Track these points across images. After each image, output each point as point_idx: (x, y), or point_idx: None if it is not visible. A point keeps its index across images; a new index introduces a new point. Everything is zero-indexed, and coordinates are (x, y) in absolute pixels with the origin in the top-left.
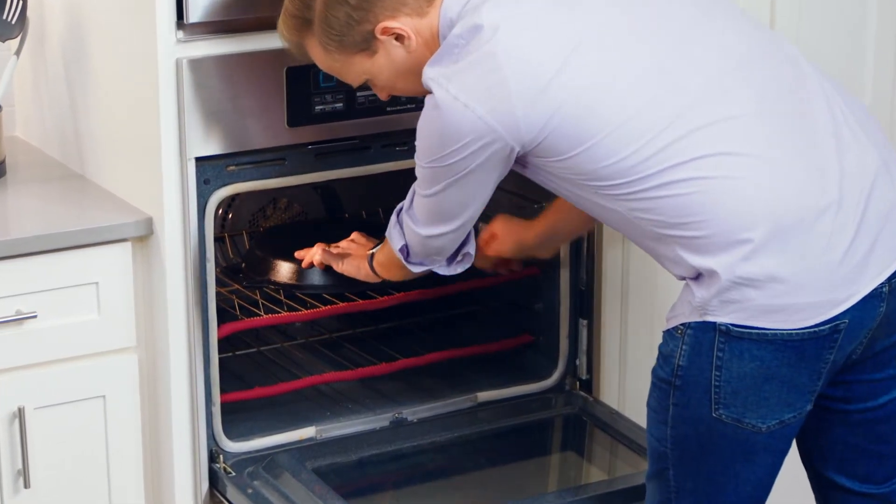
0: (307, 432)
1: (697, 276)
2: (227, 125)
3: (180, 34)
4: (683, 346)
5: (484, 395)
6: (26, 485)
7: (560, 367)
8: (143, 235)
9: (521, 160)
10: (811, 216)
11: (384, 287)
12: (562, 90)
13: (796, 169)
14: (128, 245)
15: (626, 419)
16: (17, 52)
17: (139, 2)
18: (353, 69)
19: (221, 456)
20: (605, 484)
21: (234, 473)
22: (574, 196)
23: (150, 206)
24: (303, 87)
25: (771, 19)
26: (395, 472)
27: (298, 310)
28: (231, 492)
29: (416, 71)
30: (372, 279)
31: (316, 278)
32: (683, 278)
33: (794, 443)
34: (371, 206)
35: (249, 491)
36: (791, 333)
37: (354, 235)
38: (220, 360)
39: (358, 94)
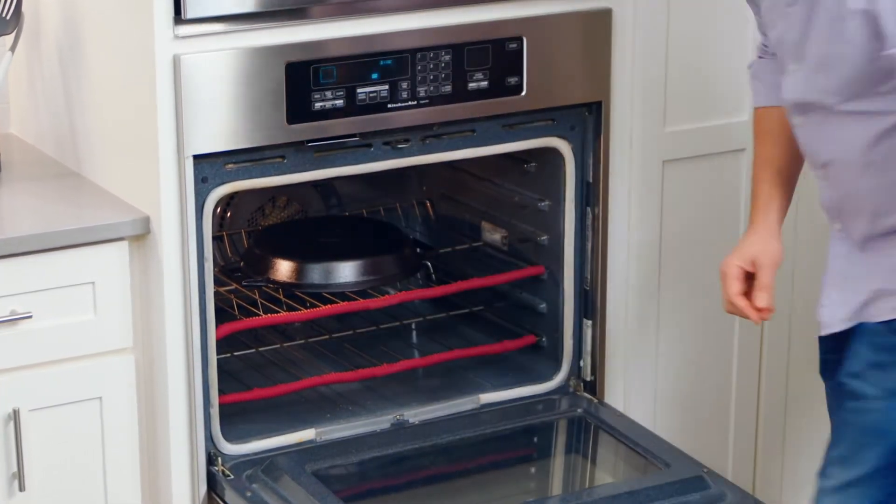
0: (307, 434)
1: None
2: (225, 122)
3: (178, 30)
4: None
5: (487, 397)
6: (21, 488)
7: (564, 369)
8: (140, 234)
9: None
10: None
11: (384, 287)
12: None
13: None
14: (124, 244)
15: (631, 421)
16: (13, 48)
17: None
18: None
19: (220, 458)
20: (610, 487)
21: (232, 476)
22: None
23: (148, 205)
24: (302, 84)
25: None
26: (396, 475)
27: (298, 310)
28: (229, 495)
29: None
30: None
31: (316, 277)
32: None
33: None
34: (372, 205)
35: (248, 494)
36: None
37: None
38: (219, 360)
39: (358, 90)
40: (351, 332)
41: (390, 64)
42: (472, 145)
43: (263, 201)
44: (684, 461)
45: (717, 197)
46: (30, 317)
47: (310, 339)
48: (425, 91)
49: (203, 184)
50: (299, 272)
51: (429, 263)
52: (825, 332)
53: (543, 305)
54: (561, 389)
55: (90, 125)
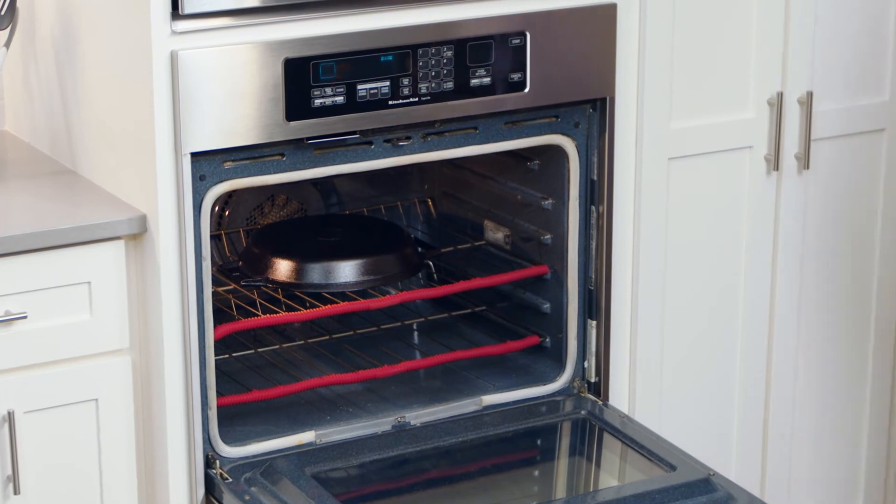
0: (306, 437)
1: None
2: (223, 119)
3: (175, 25)
4: None
5: (489, 399)
6: (16, 491)
7: (568, 370)
8: (137, 233)
9: None
10: None
11: (385, 287)
12: None
13: None
14: (121, 243)
15: (636, 424)
16: (7, 44)
17: None
18: None
19: (218, 461)
20: (615, 490)
21: (230, 479)
22: None
23: (144, 203)
24: (302, 80)
25: (786, 12)
26: (397, 478)
27: (297, 310)
28: (227, 498)
29: None
30: None
31: (316, 277)
32: None
33: None
34: (372, 203)
35: (247, 498)
36: None
37: None
38: (217, 362)
39: (359, 87)
40: (351, 333)
41: (391, 60)
42: (474, 143)
43: (262, 200)
44: (690, 464)
45: (724, 195)
46: (25, 317)
47: (309, 340)
48: (427, 87)
49: (201, 182)
50: (299, 272)
51: (430, 263)
52: None
53: (547, 305)
54: (565, 391)
55: (86, 122)
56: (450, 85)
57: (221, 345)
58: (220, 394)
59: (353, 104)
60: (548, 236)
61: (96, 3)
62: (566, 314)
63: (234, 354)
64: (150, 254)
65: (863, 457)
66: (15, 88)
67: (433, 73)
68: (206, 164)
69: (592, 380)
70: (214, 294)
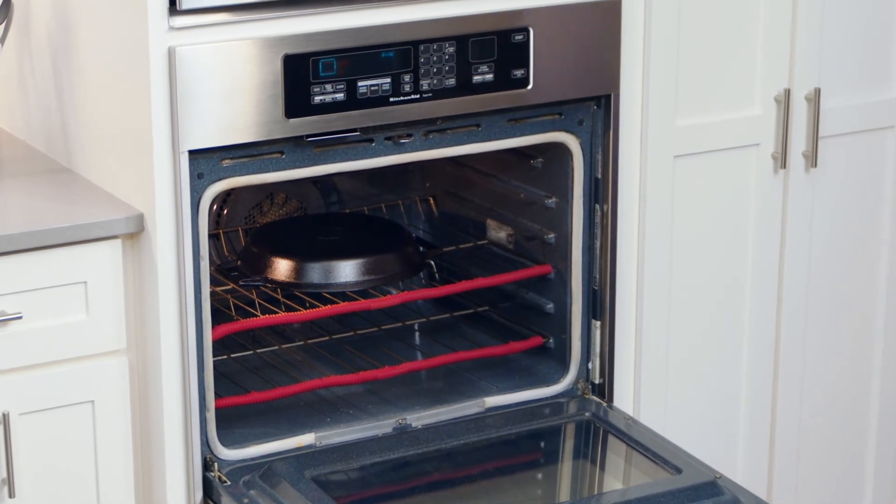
0: (306, 439)
1: None
2: (221, 117)
3: (173, 21)
4: None
5: (492, 401)
6: (11, 494)
7: (572, 371)
8: (134, 232)
9: None
10: None
11: (386, 287)
12: None
13: None
14: (117, 242)
15: (641, 426)
16: (2, 40)
17: None
18: None
19: (216, 464)
20: (619, 494)
21: (229, 482)
22: None
23: (141, 202)
24: (301, 77)
25: (793, 7)
26: (398, 481)
27: (297, 310)
28: (226, 502)
29: None
30: None
31: (315, 277)
32: None
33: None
34: (373, 202)
35: (245, 501)
36: None
37: None
38: (215, 363)
39: (359, 83)
40: (352, 334)
41: (392, 56)
42: (476, 140)
43: (261, 198)
44: (696, 466)
45: (731, 193)
46: (20, 317)
47: (309, 341)
48: (428, 84)
49: (199, 180)
50: (298, 271)
51: (432, 262)
52: None
53: (550, 306)
54: (569, 392)
55: (82, 119)
56: (452, 82)
57: (220, 345)
58: (218, 395)
59: (353, 101)
60: (551, 235)
61: None
62: (570, 314)
63: (232, 355)
64: (148, 253)
65: (871, 458)
66: (9, 86)
67: (435, 70)
68: (205, 161)
69: (597, 381)
70: (213, 294)
